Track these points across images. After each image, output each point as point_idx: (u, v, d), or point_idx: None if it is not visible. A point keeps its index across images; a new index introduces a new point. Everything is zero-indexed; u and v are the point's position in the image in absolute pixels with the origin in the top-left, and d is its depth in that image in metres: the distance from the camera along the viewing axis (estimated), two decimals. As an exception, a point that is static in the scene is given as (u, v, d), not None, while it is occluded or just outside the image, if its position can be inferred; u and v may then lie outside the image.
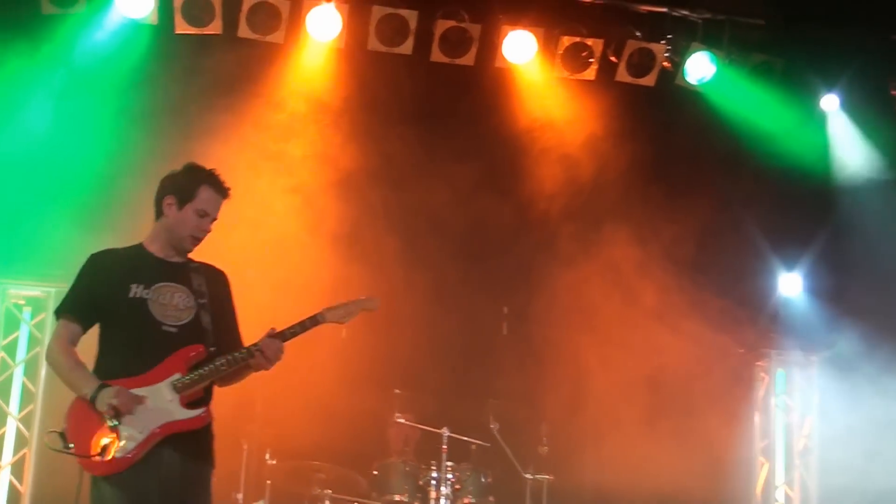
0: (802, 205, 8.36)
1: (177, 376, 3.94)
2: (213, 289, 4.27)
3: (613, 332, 7.72)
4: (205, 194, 4.16)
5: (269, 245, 7.05)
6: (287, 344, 4.01)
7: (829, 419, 8.14)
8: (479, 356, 7.79)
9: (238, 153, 7.07)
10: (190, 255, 4.19)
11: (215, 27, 6.98)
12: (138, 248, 4.25)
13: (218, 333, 4.20)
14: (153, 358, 3.98)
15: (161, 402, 3.91)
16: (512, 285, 7.92)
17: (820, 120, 8.39)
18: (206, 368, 3.99)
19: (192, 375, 3.96)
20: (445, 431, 6.97)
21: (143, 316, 4.05)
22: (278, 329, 4.08)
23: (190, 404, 3.95)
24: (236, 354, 4.01)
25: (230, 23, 7.01)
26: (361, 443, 7.29)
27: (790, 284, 8.50)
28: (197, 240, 4.21)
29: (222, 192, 4.21)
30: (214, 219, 4.21)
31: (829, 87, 8.25)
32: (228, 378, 4.07)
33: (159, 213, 4.21)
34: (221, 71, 7.05)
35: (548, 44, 7.70)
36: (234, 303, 4.35)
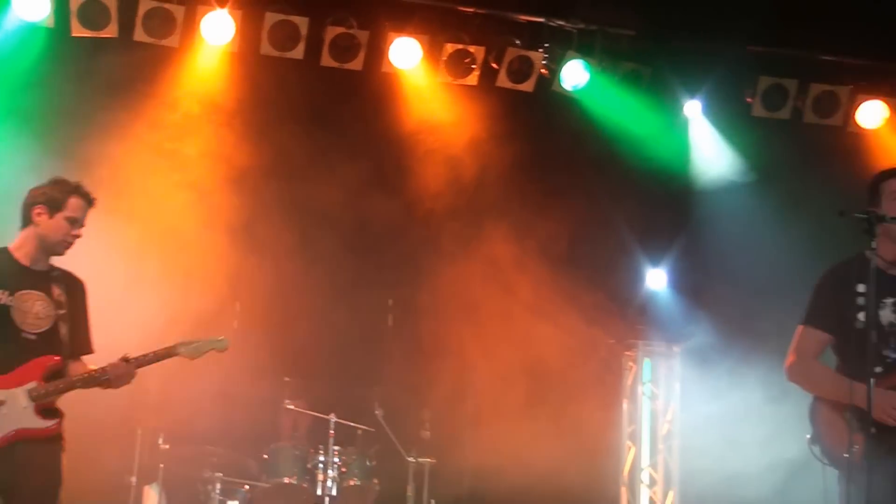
0: (667, 204, 8.63)
1: (33, 385, 4.37)
2: (72, 299, 4.70)
3: (493, 325, 7.89)
4: (74, 203, 4.65)
5: (166, 239, 7.13)
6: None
7: (689, 406, 8.39)
8: (365, 346, 7.94)
9: (133, 151, 7.20)
10: (65, 257, 4.56)
11: (111, 31, 7.06)
12: (4, 254, 4.66)
13: (72, 344, 4.64)
14: (10, 363, 4.39)
15: (16, 407, 4.32)
16: (398, 279, 8.09)
17: (683, 125, 8.67)
18: (63, 382, 4.44)
19: (48, 387, 4.38)
20: (332, 417, 7.19)
21: (4, 322, 4.47)
22: (132, 356, 4.55)
23: (43, 412, 4.37)
24: (93, 375, 4.47)
25: (126, 26, 7.11)
26: (253, 428, 7.42)
27: (656, 280, 8.77)
28: (68, 244, 4.66)
29: (89, 201, 4.70)
30: (82, 225, 4.67)
31: (692, 94, 8.53)
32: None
33: (27, 222, 4.64)
34: (117, 73, 7.13)
35: (432, 50, 7.89)
36: (88, 312, 4.76)
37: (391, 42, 7.80)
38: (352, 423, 7.43)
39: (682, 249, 8.72)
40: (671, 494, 8.30)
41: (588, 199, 8.27)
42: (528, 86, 8.05)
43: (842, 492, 4.93)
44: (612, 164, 8.37)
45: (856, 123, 8.51)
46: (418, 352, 7.83)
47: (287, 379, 7.45)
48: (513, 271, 7.97)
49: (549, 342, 7.84)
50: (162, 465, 7.05)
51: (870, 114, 8.42)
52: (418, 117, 8.20)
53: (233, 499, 7.22)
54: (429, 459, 7.66)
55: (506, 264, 7.98)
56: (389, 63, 7.88)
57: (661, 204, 8.63)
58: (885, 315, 5.01)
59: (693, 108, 8.58)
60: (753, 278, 8.14)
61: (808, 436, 5.15)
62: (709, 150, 8.68)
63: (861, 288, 4.87)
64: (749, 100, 8.44)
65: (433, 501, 7.67)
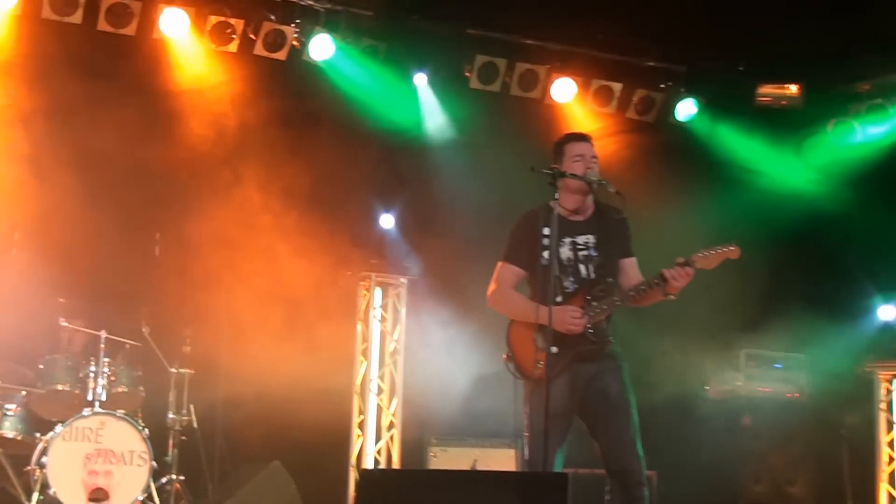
0: (398, 159, 9.38)
1: None
2: None
3: (251, 258, 8.39)
4: None
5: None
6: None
7: (413, 328, 9.03)
8: (135, 273, 8.15)
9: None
10: None
11: None
12: None
13: None
14: None
15: None
16: (165, 216, 8.35)
17: (413, 93, 9.36)
18: None
19: None
20: (103, 333, 7.52)
21: None
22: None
23: None
24: None
25: None
26: (31, 343, 7.70)
27: (387, 222, 9.35)
28: None
29: None
30: None
31: (420, 68, 9.22)
32: None
33: None
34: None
35: (198, 21, 8.43)
36: None
37: (161, 12, 8.29)
38: (121, 339, 7.73)
39: (410, 197, 9.36)
40: (395, 401, 8.88)
41: (332, 152, 8.80)
42: (281, 55, 8.70)
43: (527, 399, 5.52)
44: (353, 123, 8.99)
45: (551, 97, 9.46)
46: (183, 279, 8.12)
47: (62, 300, 7.67)
48: (267, 212, 8.51)
49: (298, 273, 8.35)
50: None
51: (562, 90, 9.42)
52: (187, 78, 8.63)
53: (10, 402, 7.43)
54: (189, 370, 8.04)
55: (261, 206, 8.53)
56: (160, 30, 8.37)
57: (394, 158, 9.34)
58: (564, 252, 5.57)
59: (421, 80, 9.27)
60: (467, 222, 8.94)
61: (504, 354, 5.65)
62: (433, 114, 9.41)
63: (546, 231, 5.36)
64: (467, 74, 9.24)
65: (192, 406, 8.03)
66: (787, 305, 9.23)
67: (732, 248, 5.49)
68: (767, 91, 9.74)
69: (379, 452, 8.89)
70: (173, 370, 8.04)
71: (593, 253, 5.62)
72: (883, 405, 9.19)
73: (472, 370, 8.30)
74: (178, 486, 7.87)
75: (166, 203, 8.51)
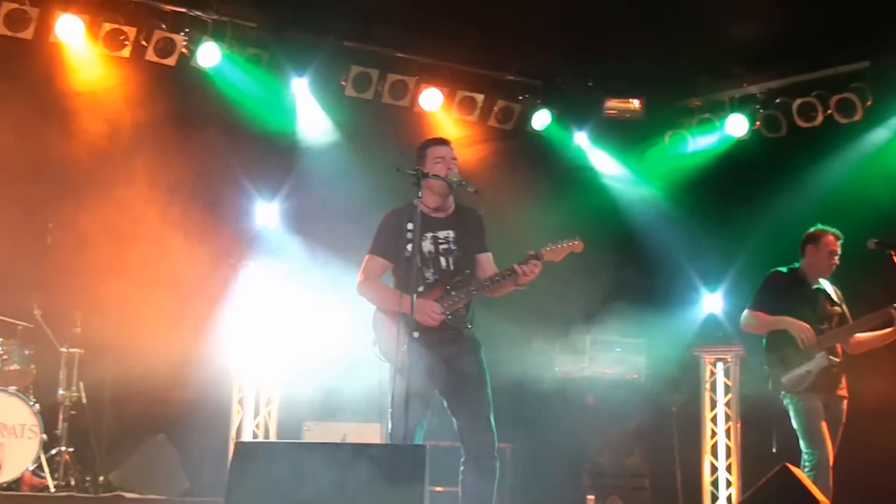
0: (278, 158, 9.70)
1: None
2: None
3: (137, 247, 8.51)
4: None
5: None
6: None
7: (289, 313, 9.12)
8: (29, 260, 8.31)
9: None
10: None
11: None
12: None
13: None
14: None
15: None
16: (58, 207, 8.53)
17: (293, 98, 9.73)
18: None
19: None
20: None
21: None
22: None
23: None
24: None
25: None
26: None
27: (266, 214, 9.69)
28: None
29: None
30: None
31: (300, 74, 9.58)
32: None
33: None
34: None
35: (93, 27, 8.64)
36: None
37: (57, 18, 8.47)
38: (12, 320, 7.97)
39: (288, 192, 9.67)
40: (273, 378, 9.25)
41: (216, 152, 9.18)
42: (171, 61, 8.97)
43: (391, 380, 5.64)
44: (237, 125, 9.31)
45: (419, 105, 9.91)
46: (75, 266, 8.28)
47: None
48: (155, 206, 8.64)
49: (183, 262, 8.55)
50: None
51: (429, 99, 9.91)
52: (82, 80, 8.85)
53: None
54: (79, 350, 8.26)
55: (149, 200, 8.64)
56: (56, 35, 8.54)
57: (273, 158, 9.67)
58: (426, 246, 5.84)
59: (300, 86, 9.63)
60: (340, 216, 9.19)
61: (371, 338, 5.91)
62: (311, 118, 9.76)
63: (410, 226, 5.63)
64: (343, 83, 9.61)
65: (81, 383, 8.30)
66: (626, 297, 10.04)
67: (576, 242, 5.87)
68: (613, 105, 10.56)
69: (257, 427, 9.19)
70: (63, 349, 8.24)
71: (452, 247, 5.89)
72: (707, 385, 10.10)
73: (344, 353, 8.32)
74: (67, 457, 8.12)
75: (60, 197, 8.62)
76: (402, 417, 5.39)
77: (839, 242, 7.21)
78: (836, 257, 7.20)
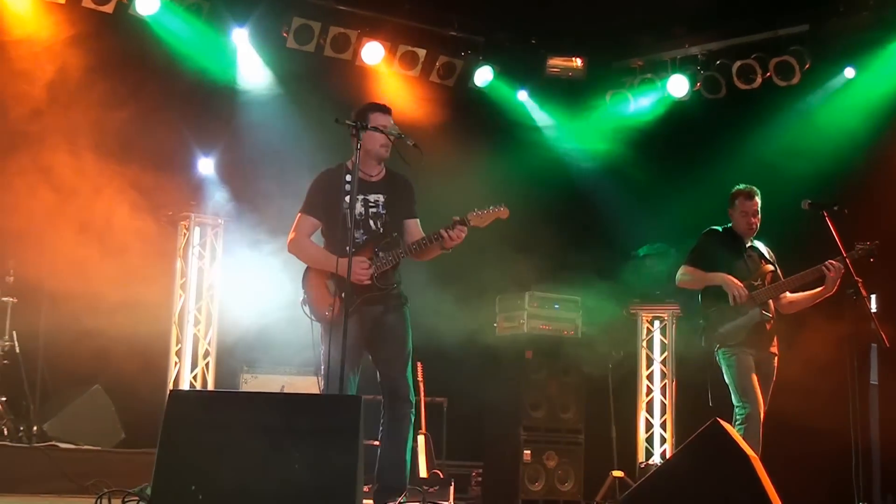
0: (218, 109, 9.67)
1: None
2: None
3: (74, 199, 8.47)
4: None
5: None
6: None
7: (227, 265, 9.37)
8: None
9: None
10: None
11: None
12: None
13: None
14: None
15: None
16: None
17: (234, 47, 9.72)
18: None
19: None
20: None
21: None
22: None
23: None
24: None
25: None
26: None
27: (206, 166, 9.63)
28: None
29: None
30: None
31: (240, 24, 9.61)
32: None
33: None
34: None
35: None
36: None
37: None
38: None
39: (227, 144, 9.66)
40: (211, 331, 9.27)
41: (155, 103, 9.02)
42: (108, 8, 8.99)
43: (323, 338, 5.94)
44: (177, 76, 9.25)
45: (361, 59, 9.97)
46: (8, 214, 8.23)
47: None
48: (92, 155, 8.60)
49: (121, 214, 8.57)
50: None
51: (371, 53, 9.95)
52: (17, 27, 8.75)
53: None
54: (11, 299, 8.32)
55: (87, 149, 8.60)
56: None
57: (213, 109, 9.63)
58: (357, 208, 5.94)
59: (241, 36, 9.63)
60: (278, 169, 9.18)
61: (301, 297, 6.06)
62: (252, 70, 9.81)
63: (349, 178, 5.78)
64: (284, 34, 9.65)
65: (14, 332, 8.34)
66: (566, 254, 10.15)
67: (502, 209, 6.00)
68: (556, 63, 10.66)
69: (195, 378, 9.22)
70: (-3, 299, 8.29)
71: (382, 210, 6.04)
72: (644, 343, 10.35)
73: (281, 306, 8.29)
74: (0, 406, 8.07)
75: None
76: (337, 371, 5.52)
77: (755, 199, 7.26)
78: (754, 217, 7.27)
